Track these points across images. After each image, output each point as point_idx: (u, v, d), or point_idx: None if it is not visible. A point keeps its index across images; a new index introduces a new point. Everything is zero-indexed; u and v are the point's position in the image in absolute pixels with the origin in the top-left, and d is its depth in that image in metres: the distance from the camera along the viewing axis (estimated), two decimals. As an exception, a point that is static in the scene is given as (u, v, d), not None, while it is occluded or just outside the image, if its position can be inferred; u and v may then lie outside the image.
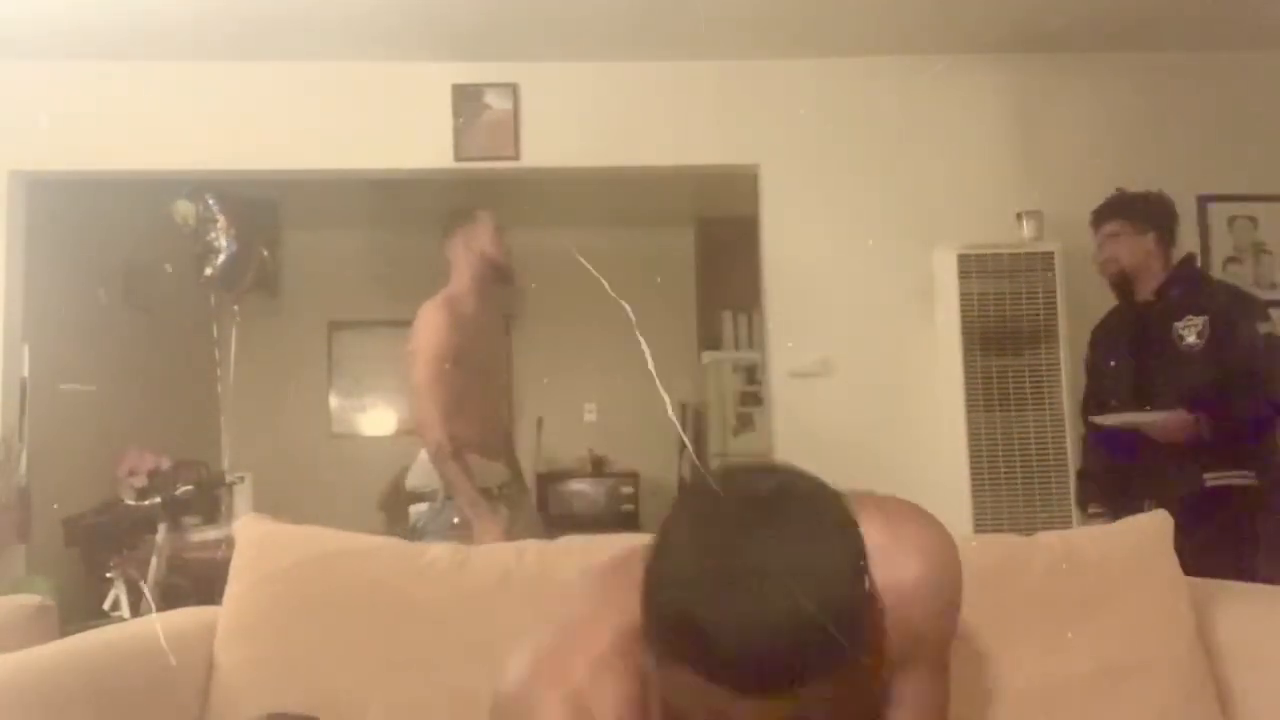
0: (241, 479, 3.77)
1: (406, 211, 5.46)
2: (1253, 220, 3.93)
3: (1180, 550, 1.64)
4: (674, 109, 3.90)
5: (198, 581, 3.32)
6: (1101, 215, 3.08)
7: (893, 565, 1.00)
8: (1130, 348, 3.07)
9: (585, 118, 3.87)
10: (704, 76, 3.90)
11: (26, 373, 3.68)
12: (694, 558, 0.86)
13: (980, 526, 3.42)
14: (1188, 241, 3.64)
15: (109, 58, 3.69)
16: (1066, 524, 3.29)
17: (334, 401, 6.42)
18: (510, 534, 2.89)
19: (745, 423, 5.58)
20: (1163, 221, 3.05)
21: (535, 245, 6.19)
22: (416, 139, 3.85)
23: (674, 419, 6.26)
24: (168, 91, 3.76)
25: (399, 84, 3.83)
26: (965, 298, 3.58)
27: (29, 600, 1.90)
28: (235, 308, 4.23)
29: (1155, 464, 2.97)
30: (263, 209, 4.28)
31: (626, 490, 6.13)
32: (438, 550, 1.66)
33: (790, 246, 3.90)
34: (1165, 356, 2.96)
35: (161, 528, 3.50)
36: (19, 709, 1.22)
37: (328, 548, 1.65)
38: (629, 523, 5.90)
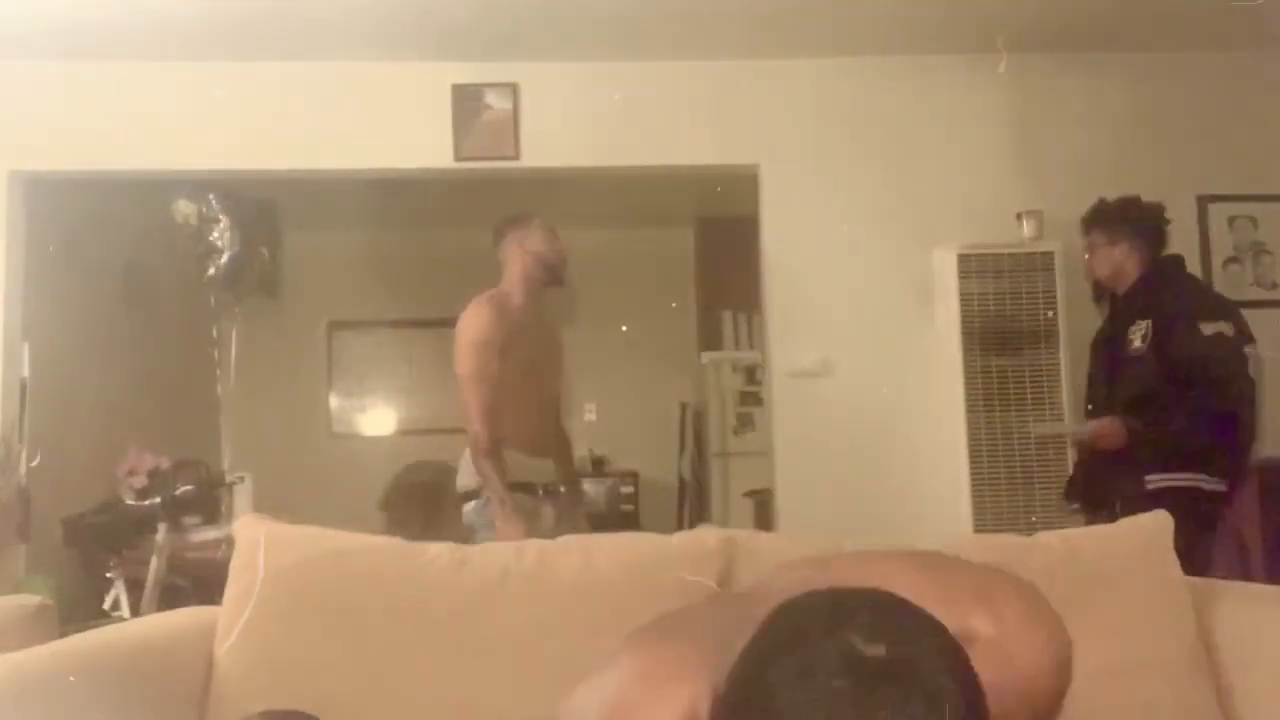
0: (241, 479, 3.78)
1: (406, 211, 5.47)
2: (1253, 220, 3.93)
3: None
4: (674, 109, 3.90)
5: (198, 581, 3.33)
6: (1084, 226, 3.11)
7: (1006, 660, 0.92)
8: (1103, 352, 3.10)
9: (585, 118, 3.87)
10: (704, 76, 3.90)
11: (26, 373, 3.68)
12: None
13: (980, 526, 3.42)
14: (1188, 241, 3.64)
15: (109, 58, 3.69)
16: (1066, 524, 3.29)
17: (334, 401, 6.42)
18: (541, 535, 2.88)
19: (745, 423, 5.58)
20: (1136, 229, 3.04)
21: (535, 245, 6.24)
22: (416, 139, 3.85)
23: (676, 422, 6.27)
24: (168, 91, 3.76)
25: (399, 84, 3.83)
26: (965, 298, 3.58)
27: (29, 600, 1.89)
28: (236, 308, 4.24)
29: (1105, 466, 3.00)
30: (263, 209, 4.28)
31: (626, 490, 6.14)
32: (437, 550, 1.66)
33: (790, 246, 3.90)
34: (1119, 361, 2.98)
35: (161, 528, 3.50)
36: (19, 709, 1.22)
37: (328, 548, 1.65)
38: (629, 523, 5.91)
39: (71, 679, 1.33)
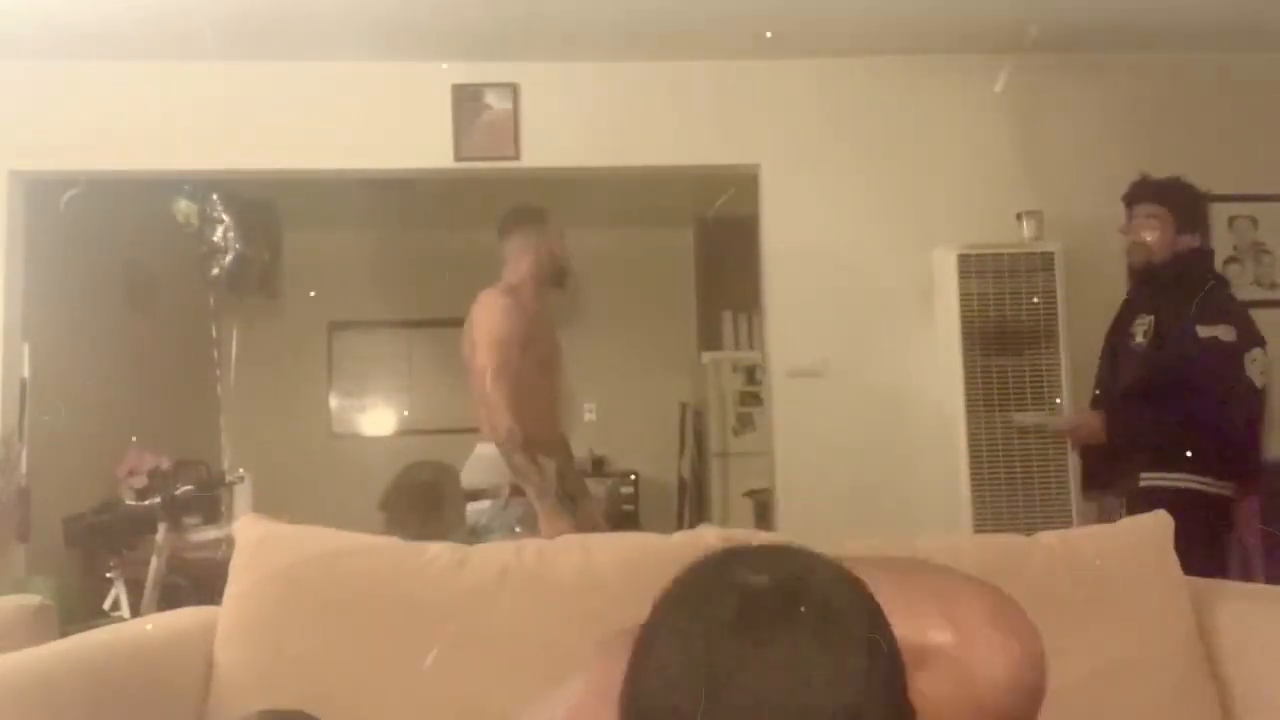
0: (241, 479, 3.77)
1: (406, 211, 5.47)
2: (1253, 220, 3.93)
3: None
4: (674, 109, 3.90)
5: (198, 581, 3.32)
6: (1144, 193, 2.97)
7: (965, 674, 0.83)
8: (1111, 340, 3.09)
9: (585, 118, 3.87)
10: (704, 76, 3.90)
11: (26, 373, 3.68)
12: (675, 677, 0.70)
13: (980, 526, 3.42)
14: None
15: (109, 58, 3.69)
16: (1066, 524, 3.29)
17: (334, 401, 6.42)
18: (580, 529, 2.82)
19: (745, 423, 5.58)
20: (1199, 224, 2.99)
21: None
22: (416, 139, 3.85)
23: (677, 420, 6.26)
24: (168, 91, 3.76)
25: (399, 84, 3.83)
26: (965, 298, 3.58)
27: (29, 600, 1.90)
28: (236, 308, 4.24)
29: (1102, 460, 2.99)
30: (263, 209, 4.28)
31: (626, 490, 6.14)
32: (437, 549, 1.66)
33: (790, 247, 3.90)
34: (1121, 352, 2.96)
35: (161, 528, 3.50)
36: (19, 709, 1.22)
37: (328, 548, 1.65)
38: (629, 522, 5.91)
39: (71, 679, 1.33)
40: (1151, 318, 2.88)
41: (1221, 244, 3.90)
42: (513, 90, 3.85)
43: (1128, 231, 3.00)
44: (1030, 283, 3.57)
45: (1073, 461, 3.42)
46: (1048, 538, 1.69)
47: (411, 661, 1.54)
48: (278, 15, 3.46)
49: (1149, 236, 2.93)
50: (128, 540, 3.61)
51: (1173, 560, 1.62)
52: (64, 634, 1.69)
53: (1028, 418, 3.44)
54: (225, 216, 3.93)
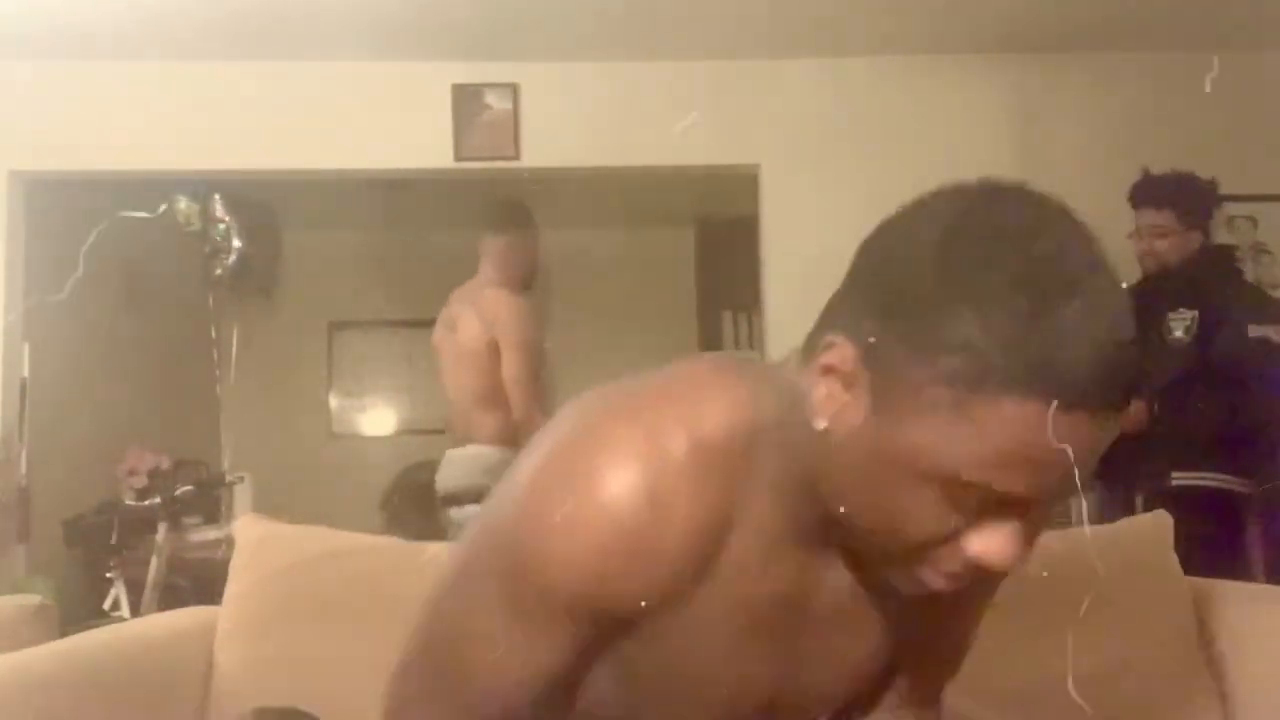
0: (241, 479, 3.77)
1: (406, 211, 5.46)
2: (1253, 220, 3.93)
3: None
4: (674, 109, 3.90)
5: (198, 581, 3.32)
6: (1150, 200, 2.95)
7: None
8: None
9: (585, 118, 3.87)
10: (704, 76, 3.90)
11: (26, 373, 3.68)
12: (1014, 263, 0.70)
13: (980, 526, 3.41)
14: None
15: (109, 58, 3.69)
16: (1066, 524, 3.28)
17: (334, 401, 6.42)
18: None
19: (745, 423, 5.57)
20: (1208, 219, 3.00)
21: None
22: (416, 139, 3.85)
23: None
24: (168, 91, 3.76)
25: (399, 84, 3.83)
26: (965, 298, 3.56)
27: (29, 600, 1.90)
28: (236, 308, 4.23)
29: (1126, 453, 2.97)
30: (263, 209, 4.28)
31: (626, 490, 6.12)
32: (436, 549, 1.66)
33: (790, 246, 3.90)
34: (1154, 344, 2.95)
35: (161, 528, 3.50)
36: (19, 709, 1.22)
37: (328, 548, 1.65)
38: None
39: (71, 679, 1.33)
40: (1194, 313, 2.85)
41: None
42: (513, 90, 3.85)
43: (1137, 240, 3.00)
44: (1030, 283, 3.56)
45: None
46: (1048, 537, 1.68)
47: (411, 661, 1.54)
48: (278, 15, 3.46)
49: (1159, 245, 2.94)
50: (128, 540, 3.61)
51: (1173, 560, 1.62)
52: (64, 634, 1.69)
53: None
54: (227, 216, 3.93)
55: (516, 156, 3.85)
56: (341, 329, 6.41)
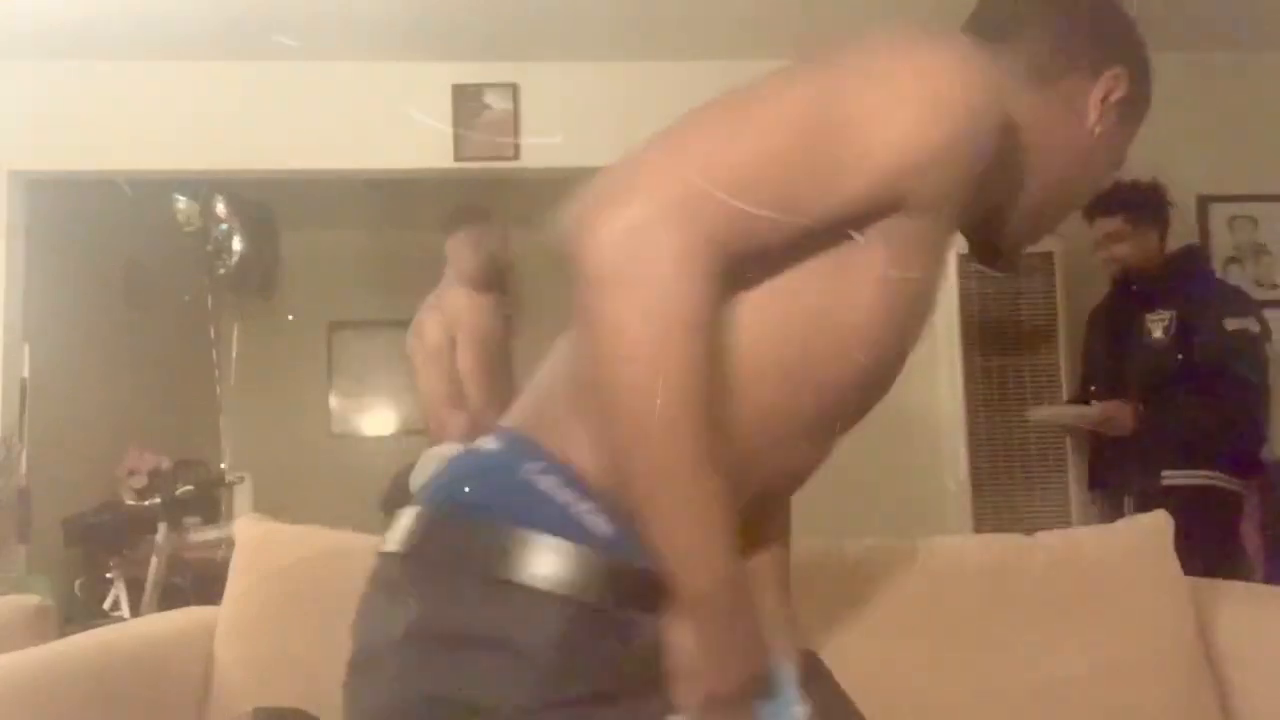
0: (241, 479, 3.77)
1: (406, 211, 5.46)
2: (1253, 220, 3.93)
3: None
4: (673, 109, 3.87)
5: (198, 581, 3.33)
6: (1101, 209, 2.99)
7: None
8: (1110, 334, 3.08)
9: (585, 118, 3.87)
10: (704, 76, 3.88)
11: (26, 373, 3.68)
12: None
13: (980, 526, 3.42)
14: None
15: (109, 58, 3.69)
16: (1066, 523, 3.29)
17: (334, 401, 6.42)
18: None
19: (745, 423, 5.57)
20: (1162, 216, 3.03)
21: (535, 245, 6.24)
22: (416, 139, 3.85)
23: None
24: (168, 91, 3.76)
25: (399, 84, 3.83)
26: (965, 297, 3.58)
27: (29, 600, 1.90)
28: (236, 308, 4.24)
29: (1117, 455, 2.98)
30: (262, 209, 4.28)
31: (626, 490, 6.12)
32: (438, 550, 1.66)
33: (790, 246, 3.90)
34: (1133, 347, 2.96)
35: (161, 528, 3.50)
36: (19, 709, 1.22)
37: (328, 547, 1.65)
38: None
39: (71, 679, 1.33)
40: (1171, 313, 2.87)
41: (1221, 244, 3.91)
42: (513, 90, 3.85)
43: (1099, 250, 3.06)
44: (1030, 283, 3.57)
45: (1072, 460, 3.42)
46: (1048, 537, 1.69)
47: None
48: (278, 15, 3.46)
49: (1117, 249, 2.99)
50: (128, 540, 3.61)
51: (1173, 560, 1.61)
52: (64, 634, 1.69)
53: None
54: (231, 217, 3.93)
55: (516, 157, 3.85)
56: (341, 329, 6.41)
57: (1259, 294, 3.85)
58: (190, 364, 4.87)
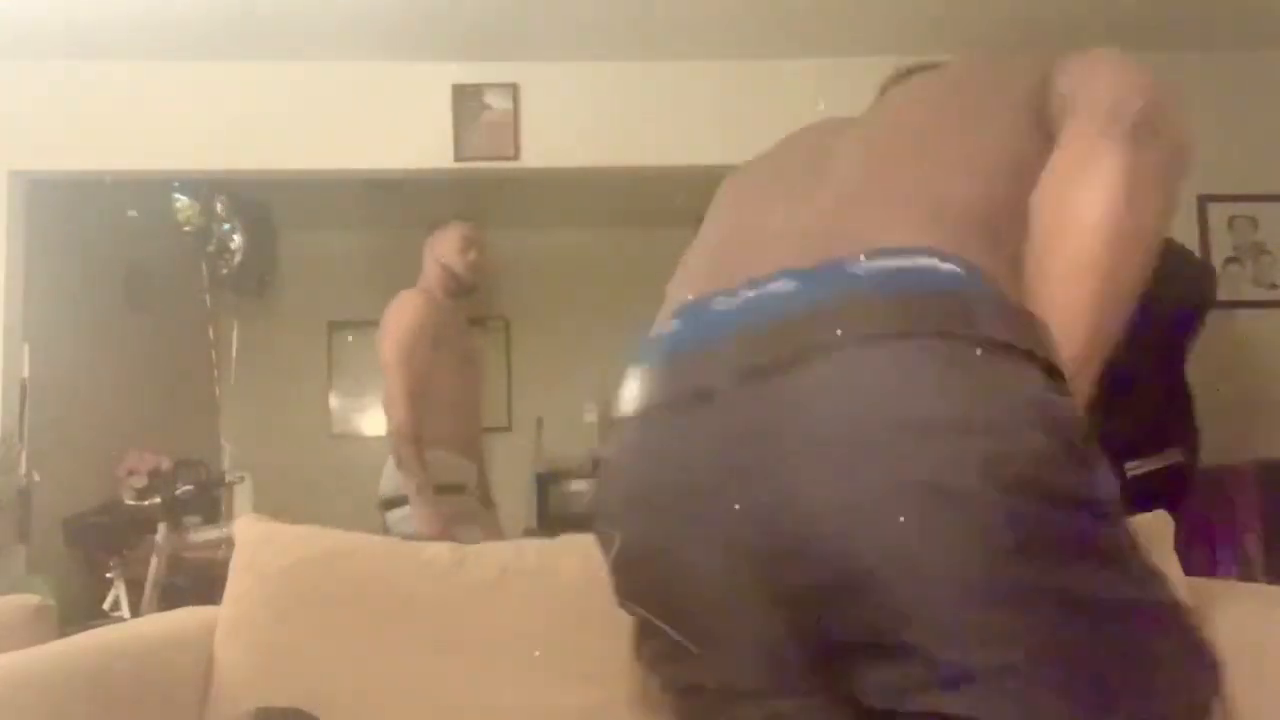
0: (241, 479, 3.78)
1: (406, 211, 5.46)
2: (1253, 220, 3.93)
3: None
4: (674, 109, 3.90)
5: (198, 581, 3.32)
6: None
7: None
8: None
9: (585, 118, 3.87)
10: (704, 76, 3.90)
11: (26, 373, 3.68)
12: None
13: (980, 526, 3.41)
14: (1188, 241, 3.64)
15: (109, 58, 3.69)
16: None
17: (334, 401, 6.42)
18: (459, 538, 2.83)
19: (745, 423, 5.57)
20: None
21: (535, 245, 6.24)
22: (416, 139, 3.85)
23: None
24: (168, 91, 3.76)
25: (399, 84, 3.83)
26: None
27: (29, 600, 1.90)
28: (236, 308, 4.24)
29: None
30: (261, 209, 4.29)
31: (627, 490, 6.12)
32: (436, 549, 1.67)
33: (790, 246, 3.90)
34: None
35: (161, 528, 3.50)
36: (19, 709, 1.22)
37: (328, 548, 1.65)
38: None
39: (71, 679, 1.33)
40: None
41: (1221, 244, 3.90)
42: (513, 90, 3.85)
43: None
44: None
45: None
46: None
47: (411, 661, 1.54)
48: (278, 15, 3.46)
49: None
50: (128, 540, 3.61)
51: (1173, 560, 1.61)
52: (64, 634, 1.69)
53: None
54: (233, 217, 3.94)
55: (516, 157, 3.85)
56: (341, 329, 6.41)
57: (1259, 294, 3.86)
58: (190, 364, 4.88)
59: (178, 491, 3.62)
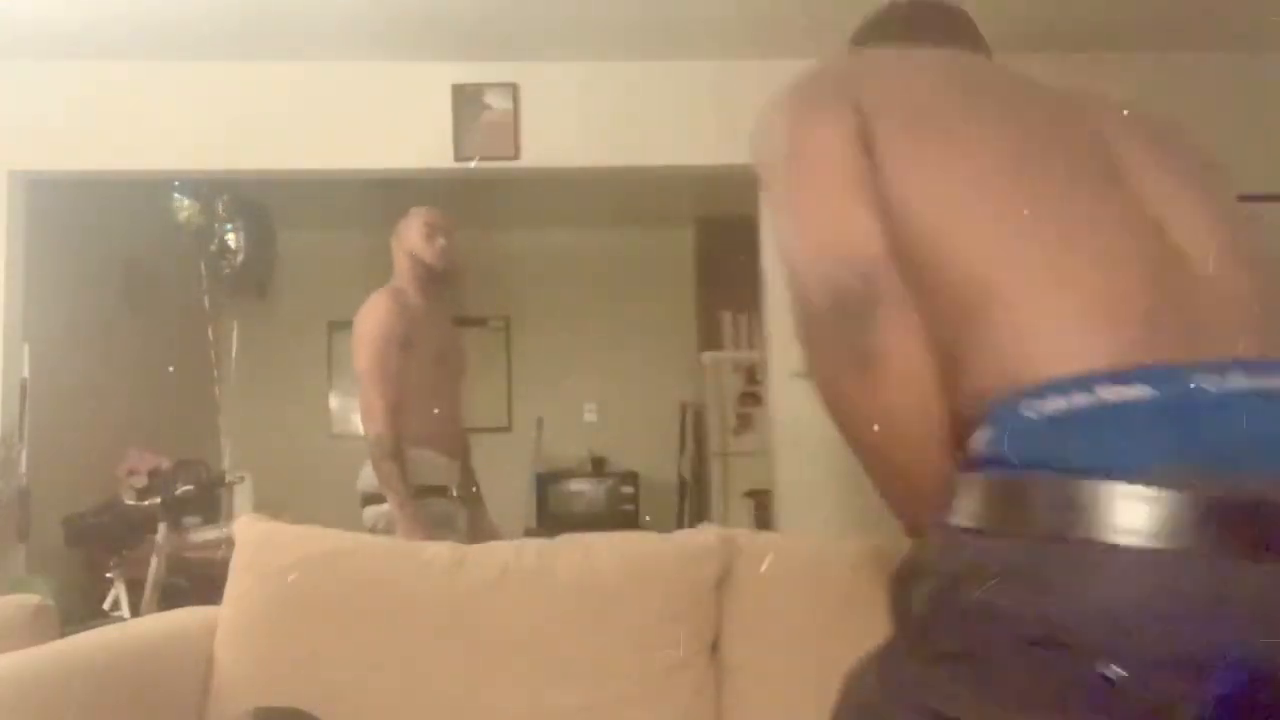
0: (241, 479, 3.78)
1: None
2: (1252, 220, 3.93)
3: None
4: (674, 109, 3.90)
5: (198, 581, 3.33)
6: None
7: None
8: None
9: (585, 118, 3.87)
10: (704, 76, 3.90)
11: (26, 373, 3.68)
12: None
13: (980, 526, 3.41)
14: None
15: (109, 58, 3.69)
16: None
17: (334, 401, 6.42)
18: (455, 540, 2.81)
19: (745, 423, 5.58)
20: None
21: (535, 245, 6.24)
22: (416, 139, 3.85)
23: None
24: (168, 91, 3.76)
25: (399, 84, 3.83)
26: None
27: (29, 600, 1.90)
28: (235, 308, 4.25)
29: None
30: (260, 209, 4.29)
31: (626, 490, 6.14)
32: (436, 549, 1.67)
33: (790, 246, 3.89)
34: None
35: (161, 528, 3.51)
36: (19, 709, 1.22)
37: (328, 548, 1.65)
38: (629, 522, 5.90)
39: (71, 679, 1.33)
40: None
41: (1221, 244, 3.90)
42: (513, 90, 3.85)
43: None
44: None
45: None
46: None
47: (411, 660, 1.54)
48: (278, 15, 3.46)
49: None
50: (128, 540, 3.61)
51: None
52: (64, 634, 1.69)
53: None
54: (234, 217, 3.94)
55: (516, 157, 3.85)
56: (341, 329, 6.40)
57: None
58: (190, 364, 4.88)
59: (178, 491, 3.62)
